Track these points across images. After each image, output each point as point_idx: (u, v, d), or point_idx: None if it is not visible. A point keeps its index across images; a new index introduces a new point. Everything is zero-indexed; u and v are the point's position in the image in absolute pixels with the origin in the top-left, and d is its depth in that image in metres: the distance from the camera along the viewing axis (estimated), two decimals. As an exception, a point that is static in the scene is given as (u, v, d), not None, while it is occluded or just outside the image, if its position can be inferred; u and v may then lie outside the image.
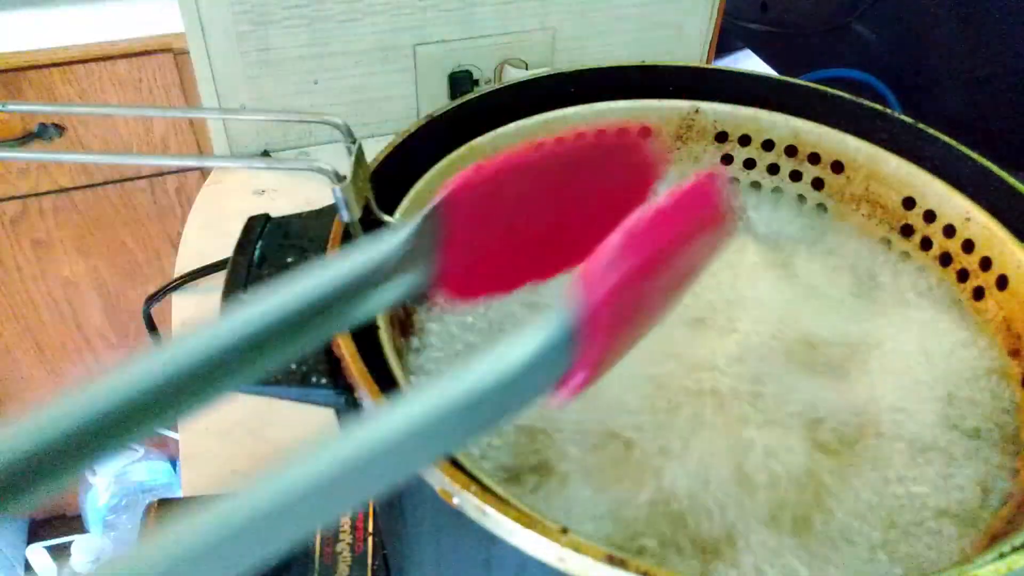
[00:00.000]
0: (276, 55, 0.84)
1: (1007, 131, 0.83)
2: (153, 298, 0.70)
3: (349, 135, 0.30)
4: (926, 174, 0.42)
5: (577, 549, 0.24)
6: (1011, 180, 0.39)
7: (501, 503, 0.25)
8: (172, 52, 0.91)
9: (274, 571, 0.46)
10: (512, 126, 0.41)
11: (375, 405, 0.27)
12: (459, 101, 0.42)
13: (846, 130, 0.43)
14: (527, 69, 0.87)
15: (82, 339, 1.15)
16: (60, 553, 1.20)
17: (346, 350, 0.29)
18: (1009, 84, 0.82)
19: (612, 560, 0.24)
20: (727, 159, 0.46)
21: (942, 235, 0.41)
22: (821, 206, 0.46)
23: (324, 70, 0.88)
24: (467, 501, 0.25)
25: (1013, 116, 0.82)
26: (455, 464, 0.26)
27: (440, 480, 0.25)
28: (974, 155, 0.40)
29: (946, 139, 0.41)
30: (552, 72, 0.43)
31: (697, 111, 0.44)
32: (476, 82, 0.86)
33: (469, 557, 0.30)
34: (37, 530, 1.36)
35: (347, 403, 0.31)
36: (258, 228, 0.36)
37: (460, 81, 0.86)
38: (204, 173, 0.99)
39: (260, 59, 0.84)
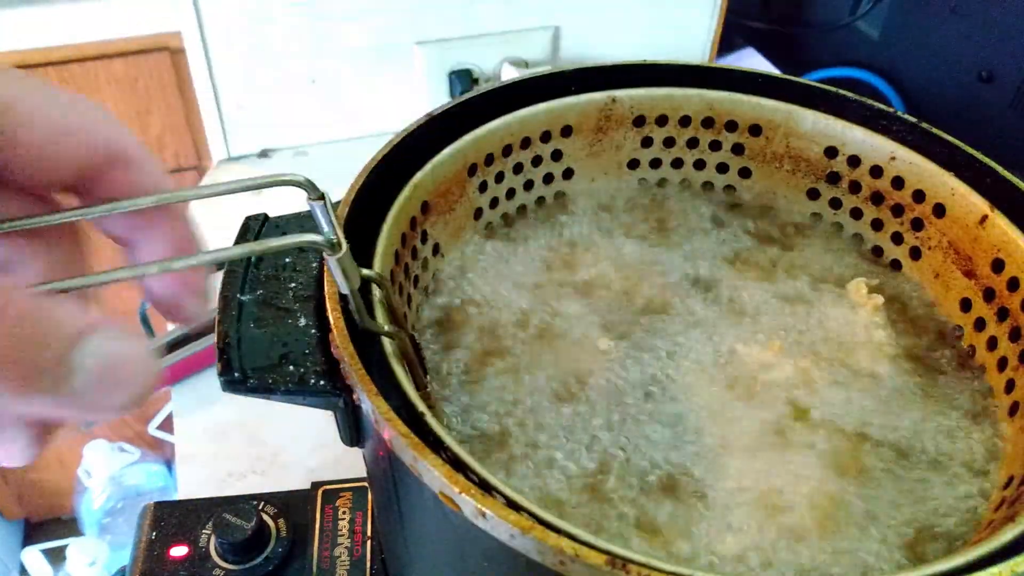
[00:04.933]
0: (274, 54, 0.84)
1: (1008, 129, 0.83)
2: (149, 299, 0.70)
3: (313, 190, 0.24)
4: (843, 123, 0.43)
5: (577, 553, 0.23)
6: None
7: (501, 506, 0.24)
8: (169, 51, 0.90)
9: (271, 575, 0.45)
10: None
11: (374, 406, 0.27)
12: (457, 100, 0.42)
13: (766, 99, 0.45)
14: (527, 67, 0.87)
15: (78, 340, 1.14)
16: (56, 556, 1.20)
17: (345, 351, 0.28)
18: (1011, 82, 0.82)
19: (613, 563, 0.23)
20: (647, 142, 0.46)
21: (869, 176, 0.43)
22: (745, 171, 0.47)
23: (322, 69, 0.87)
24: (467, 504, 0.25)
25: (1014, 115, 0.82)
26: (455, 465, 0.25)
27: (440, 483, 0.25)
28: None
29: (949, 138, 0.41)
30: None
31: (614, 100, 0.45)
32: (476, 80, 0.86)
33: (468, 560, 0.30)
34: (32, 533, 1.35)
35: (345, 405, 0.30)
36: (255, 228, 0.36)
37: (460, 79, 0.85)
38: (201, 172, 0.98)
39: (258, 58, 0.84)
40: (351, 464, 0.53)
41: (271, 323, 0.32)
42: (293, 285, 0.34)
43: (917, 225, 0.42)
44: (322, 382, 0.30)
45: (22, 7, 0.83)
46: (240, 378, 0.30)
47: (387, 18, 0.82)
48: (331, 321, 0.30)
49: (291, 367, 0.30)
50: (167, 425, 0.68)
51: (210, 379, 0.65)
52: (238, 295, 0.33)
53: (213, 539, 0.46)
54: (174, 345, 0.64)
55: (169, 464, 1.19)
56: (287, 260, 0.35)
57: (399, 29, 0.83)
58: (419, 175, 0.39)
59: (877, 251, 0.44)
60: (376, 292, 0.32)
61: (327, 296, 0.30)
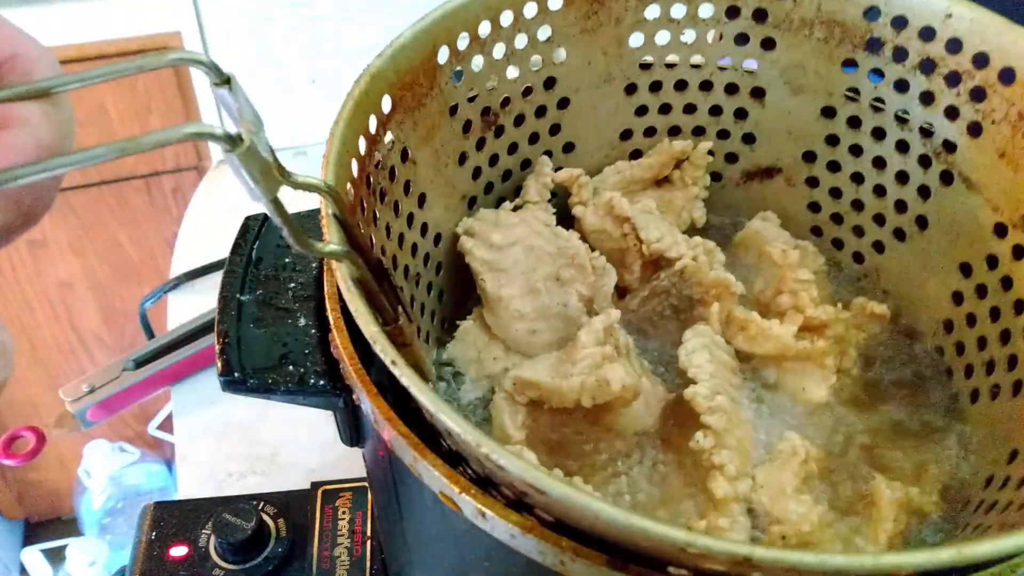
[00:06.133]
0: (274, 54, 0.84)
1: None
2: (149, 298, 0.70)
3: (216, 72, 0.21)
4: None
5: (577, 553, 0.23)
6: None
7: (501, 507, 0.24)
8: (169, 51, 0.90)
9: (271, 575, 0.45)
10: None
11: (374, 406, 0.27)
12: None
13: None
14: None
15: (77, 339, 1.14)
16: (56, 556, 1.20)
17: (344, 352, 0.28)
18: None
19: (613, 564, 0.23)
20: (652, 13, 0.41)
21: (918, 39, 0.37)
22: (768, 42, 0.41)
23: (322, 69, 0.87)
24: (467, 504, 0.25)
25: None
26: (454, 463, 0.25)
27: (440, 483, 0.25)
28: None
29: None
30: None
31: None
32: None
33: (468, 560, 0.30)
34: (32, 533, 1.35)
35: (345, 405, 0.30)
36: (255, 228, 0.36)
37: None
38: (201, 172, 0.98)
39: (258, 58, 0.84)
40: (351, 464, 0.53)
41: (271, 323, 0.32)
42: (293, 285, 0.34)
43: (978, 95, 0.36)
44: (322, 382, 0.30)
45: (22, 7, 0.83)
46: (240, 378, 0.30)
47: (387, 18, 0.82)
48: (331, 321, 0.30)
49: (291, 367, 0.30)
50: (167, 425, 0.68)
51: (210, 379, 0.65)
52: (238, 295, 0.33)
53: (213, 539, 0.46)
54: (174, 345, 0.64)
55: (169, 464, 1.19)
56: (287, 260, 0.35)
57: (399, 29, 0.83)
58: (377, 63, 0.33)
59: (926, 132, 0.38)
60: (325, 207, 0.27)
61: (327, 296, 0.30)
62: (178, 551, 0.47)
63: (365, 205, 0.32)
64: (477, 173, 0.42)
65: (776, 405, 0.39)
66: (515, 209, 0.42)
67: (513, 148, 0.43)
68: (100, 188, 1.00)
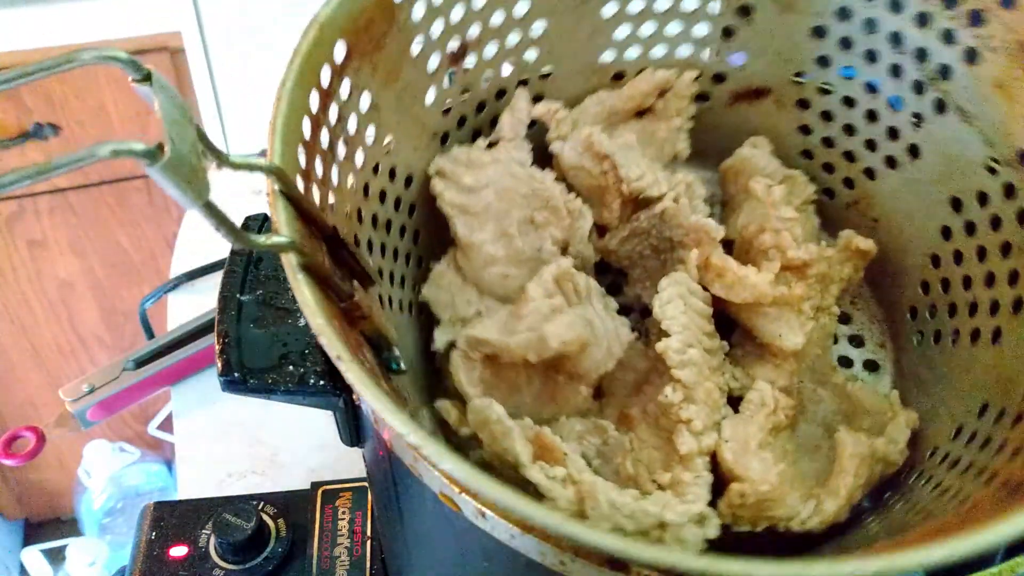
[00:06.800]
0: (274, 54, 0.84)
1: None
2: (149, 299, 0.70)
3: (135, 68, 0.20)
4: None
5: (577, 553, 0.23)
6: None
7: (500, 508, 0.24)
8: (169, 51, 0.90)
9: (271, 575, 0.45)
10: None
11: (374, 406, 0.27)
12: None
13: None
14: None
15: (77, 340, 1.14)
16: (56, 556, 1.20)
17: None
18: None
19: (613, 564, 0.23)
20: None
21: None
22: None
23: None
24: (467, 504, 0.25)
25: None
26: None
27: (440, 483, 0.25)
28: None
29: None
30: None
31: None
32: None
33: (468, 560, 0.30)
34: (32, 533, 1.35)
35: (345, 405, 0.30)
36: (255, 228, 0.36)
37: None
38: (201, 173, 0.98)
39: (258, 58, 0.84)
40: (351, 464, 0.53)
41: (271, 323, 0.32)
42: (293, 285, 0.34)
43: (976, 19, 0.34)
44: (322, 382, 0.30)
45: (22, 7, 0.83)
46: (240, 378, 0.30)
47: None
48: (331, 321, 0.29)
49: (291, 367, 0.30)
50: (167, 425, 0.68)
51: (210, 379, 0.65)
52: (238, 295, 0.33)
53: (213, 539, 0.46)
54: (174, 345, 0.64)
55: (169, 464, 1.19)
56: (287, 260, 0.35)
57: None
58: (325, 11, 0.30)
59: (920, 56, 0.37)
60: (271, 185, 0.26)
61: (327, 296, 0.30)
62: (178, 551, 0.47)
63: (322, 166, 0.30)
64: (447, 109, 0.40)
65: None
66: (489, 146, 0.40)
67: (486, 79, 0.41)
68: (100, 188, 1.00)
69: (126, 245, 1.06)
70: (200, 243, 0.74)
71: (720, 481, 0.33)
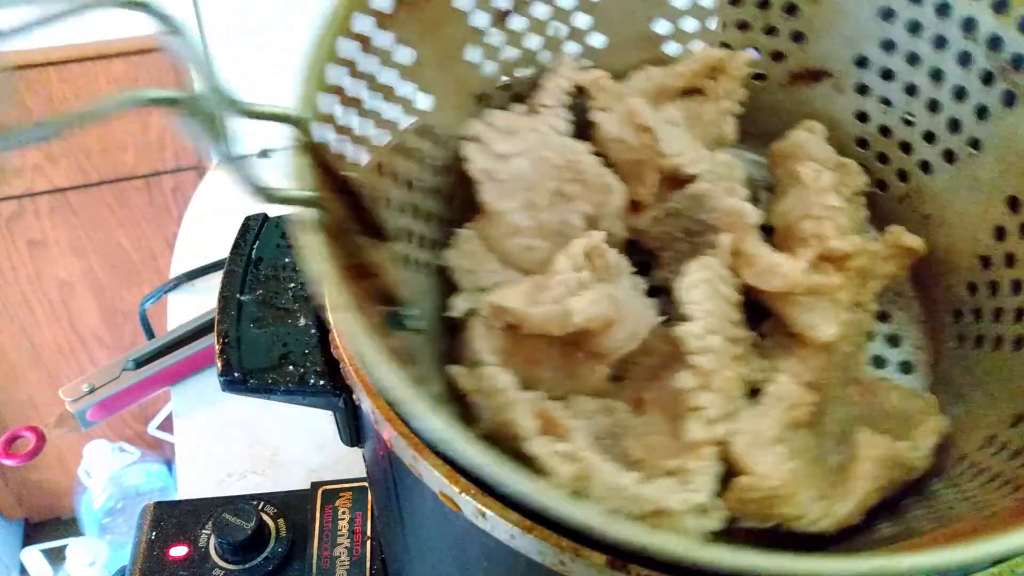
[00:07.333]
0: (275, 55, 0.84)
1: None
2: (149, 298, 0.70)
3: (167, 22, 0.20)
4: None
5: (577, 554, 0.23)
6: None
7: (501, 507, 0.24)
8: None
9: (271, 575, 0.45)
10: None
11: (374, 406, 0.27)
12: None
13: None
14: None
15: (77, 340, 1.14)
16: (56, 556, 1.20)
17: (344, 352, 0.28)
18: None
19: (613, 565, 0.23)
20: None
21: None
22: None
23: (322, 70, 0.87)
24: (467, 504, 0.25)
25: None
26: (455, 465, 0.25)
27: (440, 483, 0.25)
28: None
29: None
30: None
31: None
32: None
33: (469, 560, 0.30)
34: (32, 533, 1.35)
35: (345, 405, 0.30)
36: (255, 228, 0.36)
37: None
38: (201, 172, 0.98)
39: (259, 59, 0.84)
40: (351, 464, 0.53)
41: (271, 323, 0.32)
42: (293, 285, 0.34)
43: None
44: (322, 382, 0.30)
45: (22, 7, 0.83)
46: (240, 378, 0.30)
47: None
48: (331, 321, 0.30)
49: (291, 367, 0.30)
50: (167, 425, 0.68)
51: (210, 379, 0.65)
52: (238, 295, 0.33)
53: (213, 539, 0.46)
54: (174, 345, 0.64)
55: (169, 464, 1.19)
56: (287, 260, 0.35)
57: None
58: None
59: (994, 44, 0.36)
60: (293, 135, 0.25)
61: (327, 296, 0.30)
62: (178, 551, 0.47)
63: (352, 119, 0.30)
64: (490, 70, 0.39)
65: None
66: (529, 113, 0.39)
67: (532, 43, 0.40)
68: (100, 188, 1.00)
69: (126, 245, 1.06)
70: (200, 243, 0.74)
71: (731, 474, 0.32)
